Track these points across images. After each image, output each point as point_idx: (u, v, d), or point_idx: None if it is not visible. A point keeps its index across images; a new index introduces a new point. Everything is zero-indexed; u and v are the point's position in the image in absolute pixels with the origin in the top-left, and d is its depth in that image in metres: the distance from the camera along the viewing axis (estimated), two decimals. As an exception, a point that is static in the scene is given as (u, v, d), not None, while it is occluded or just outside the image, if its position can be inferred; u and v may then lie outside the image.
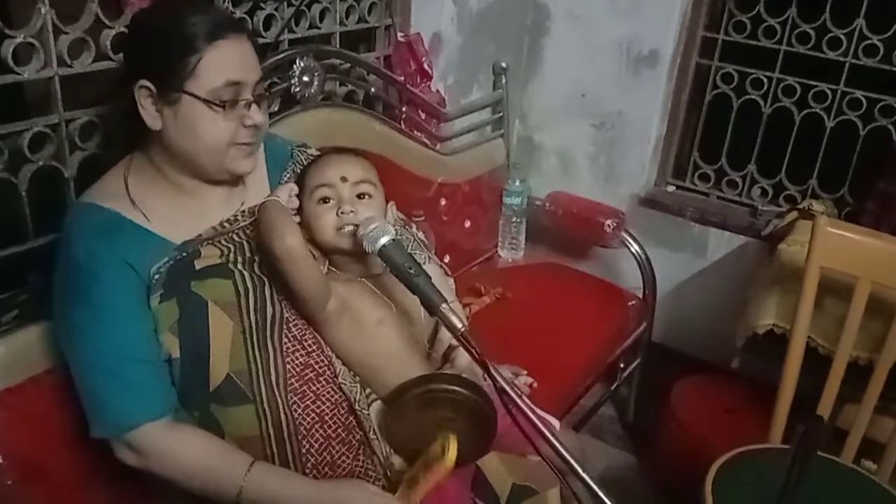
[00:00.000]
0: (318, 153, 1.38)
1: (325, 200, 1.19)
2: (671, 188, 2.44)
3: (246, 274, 1.15)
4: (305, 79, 1.65)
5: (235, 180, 1.21)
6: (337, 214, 1.18)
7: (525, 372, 1.38)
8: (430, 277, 1.10)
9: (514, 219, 2.35)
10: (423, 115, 2.08)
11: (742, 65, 2.24)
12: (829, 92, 2.12)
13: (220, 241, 1.16)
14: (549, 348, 1.91)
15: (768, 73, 2.20)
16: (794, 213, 2.16)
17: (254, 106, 1.13)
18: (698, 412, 2.16)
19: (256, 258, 1.17)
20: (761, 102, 2.22)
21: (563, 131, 2.49)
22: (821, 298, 1.64)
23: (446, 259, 2.16)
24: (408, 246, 1.36)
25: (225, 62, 1.09)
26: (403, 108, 2.00)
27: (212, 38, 1.07)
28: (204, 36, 1.07)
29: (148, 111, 1.10)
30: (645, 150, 2.37)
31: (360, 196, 1.20)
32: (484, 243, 2.37)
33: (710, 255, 2.35)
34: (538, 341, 1.93)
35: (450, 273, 1.45)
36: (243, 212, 1.22)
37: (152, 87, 1.08)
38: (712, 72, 2.28)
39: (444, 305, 1.07)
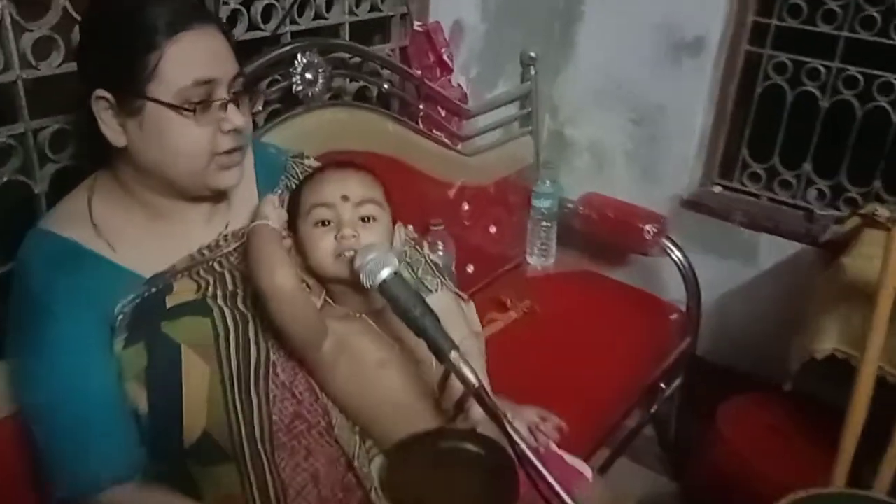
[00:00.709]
0: (316, 164, 1.21)
1: (323, 223, 1.03)
2: (717, 189, 2.22)
3: (227, 310, 0.99)
4: (308, 76, 1.49)
5: (219, 197, 1.05)
6: (336, 239, 1.02)
7: (555, 418, 1.20)
8: (437, 319, 0.93)
9: (543, 223, 2.16)
10: (442, 113, 1.90)
11: (797, 53, 2.02)
12: (896, 82, 1.90)
13: (197, 273, 1.00)
14: (582, 371, 1.74)
15: (827, 63, 1.97)
16: (857, 219, 1.93)
17: (231, 106, 0.96)
18: (747, 434, 1.96)
19: (240, 291, 1.01)
20: (819, 95, 2.00)
21: (597, 126, 2.29)
22: (891, 320, 1.44)
23: (469, 269, 1.99)
24: (417, 269, 1.19)
25: (191, 57, 0.92)
26: (421, 106, 1.83)
27: (172, 30, 0.91)
28: (163, 29, 0.90)
29: (109, 125, 0.94)
30: (688, 147, 2.16)
31: (363, 219, 1.04)
32: (510, 250, 2.19)
33: (760, 264, 2.14)
34: (570, 363, 1.76)
35: (466, 298, 1.28)
36: (226, 235, 1.06)
37: (110, 98, 0.92)
38: (764, 61, 2.06)
39: (454, 354, 0.90)
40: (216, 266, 1.02)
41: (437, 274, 1.22)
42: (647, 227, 2.03)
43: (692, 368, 2.17)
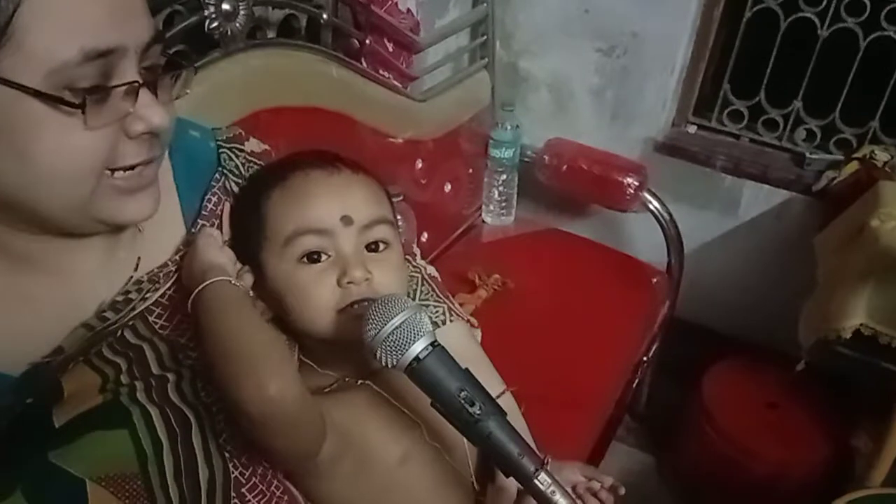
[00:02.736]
0: (261, 149, 0.82)
1: (313, 257, 0.67)
2: (692, 129, 1.96)
3: (154, 411, 0.62)
4: (226, 7, 1.06)
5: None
6: (340, 284, 0.66)
7: (606, 479, 0.91)
8: (505, 414, 0.60)
9: (503, 176, 1.83)
10: (390, 47, 1.50)
11: (795, -28, 1.74)
12: (907, 10, 1.65)
13: (99, 354, 0.62)
14: (573, 358, 1.48)
15: (830, -16, 1.70)
16: (854, 164, 1.73)
17: (144, 93, 0.57)
18: (731, 405, 1.78)
19: (171, 374, 0.64)
20: (817, 22, 1.73)
21: (558, 57, 1.94)
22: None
23: (424, 237, 1.65)
24: (414, 294, 0.85)
25: (76, 8, 0.52)
26: (367, 39, 1.42)
27: None
28: None
29: None
30: (666, 84, 1.86)
31: (371, 247, 0.68)
32: (465, 208, 1.86)
33: (742, 213, 1.91)
34: (558, 350, 1.49)
35: (476, 324, 0.95)
36: (139, 281, 0.67)
37: None
38: (755, -20, 1.77)
39: (542, 476, 0.58)
40: (128, 336, 0.64)
41: (442, 296, 0.88)
42: (628, 180, 1.75)
43: (668, 331, 1.95)
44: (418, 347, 0.59)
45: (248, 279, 0.70)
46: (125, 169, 0.58)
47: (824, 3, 1.71)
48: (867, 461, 1.35)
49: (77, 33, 0.52)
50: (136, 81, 0.56)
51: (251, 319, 0.62)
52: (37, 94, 0.51)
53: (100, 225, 0.60)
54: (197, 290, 0.62)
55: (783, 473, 1.67)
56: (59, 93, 0.52)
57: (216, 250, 0.67)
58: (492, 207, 1.88)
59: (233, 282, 0.63)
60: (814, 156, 1.82)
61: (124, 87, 0.55)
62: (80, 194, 0.57)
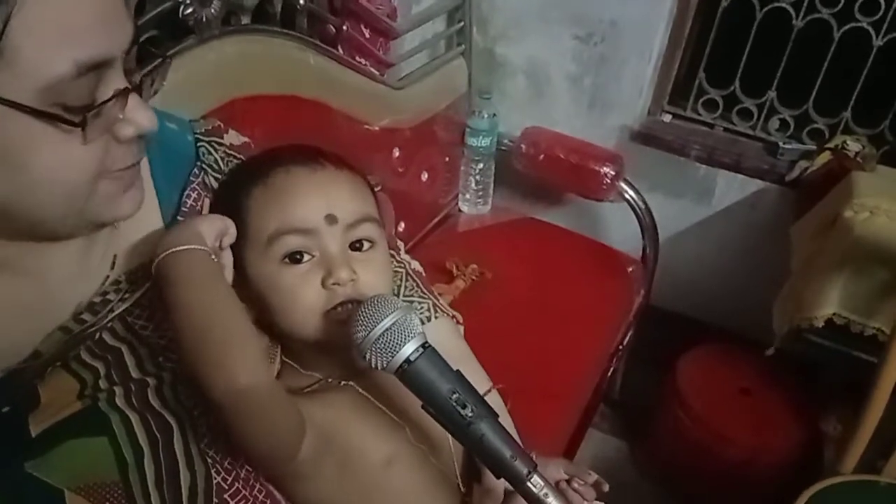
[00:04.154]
0: (240, 142, 0.80)
1: (297, 258, 0.65)
2: (667, 118, 1.96)
3: (134, 417, 0.60)
4: (201, -8, 1.03)
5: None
6: (325, 286, 0.65)
7: (588, 474, 0.91)
8: (496, 416, 0.60)
9: (480, 164, 1.82)
10: (367, 33, 1.47)
11: (771, -38, 1.74)
12: (882, 1, 1.67)
13: (77, 358, 0.60)
14: (552, 349, 1.48)
15: (805, -26, 1.71)
16: (827, 155, 1.75)
17: (134, 98, 0.55)
18: (705, 391, 1.80)
19: (151, 378, 0.62)
20: (792, 13, 1.74)
21: (535, 43, 1.93)
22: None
23: (401, 227, 1.64)
24: (398, 289, 0.84)
25: (70, 18, 0.49)
26: (344, 25, 1.39)
27: None
28: None
29: None
30: (643, 72, 1.86)
31: (355, 245, 0.67)
32: (442, 197, 1.84)
33: (716, 202, 1.92)
34: (536, 340, 1.49)
35: (461, 320, 0.94)
36: (117, 281, 0.65)
37: None
38: (731, -30, 1.77)
39: (535, 479, 0.58)
40: (107, 338, 0.62)
41: (427, 292, 0.87)
42: (605, 169, 1.75)
43: (642, 318, 1.97)
44: (409, 349, 0.58)
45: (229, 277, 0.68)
46: (117, 172, 0.57)
47: (799, -7, 1.72)
48: (838, 448, 1.37)
49: (70, 46, 0.49)
50: (126, 87, 0.54)
51: (222, 298, 0.60)
52: (34, 112, 0.49)
53: (92, 225, 0.59)
54: (170, 251, 0.60)
55: (756, 458, 1.70)
56: (54, 109, 0.50)
57: (213, 235, 0.64)
58: (468, 196, 1.87)
59: (203, 251, 0.61)
60: (787, 146, 1.84)
61: (113, 99, 0.53)
62: (76, 201, 0.55)
